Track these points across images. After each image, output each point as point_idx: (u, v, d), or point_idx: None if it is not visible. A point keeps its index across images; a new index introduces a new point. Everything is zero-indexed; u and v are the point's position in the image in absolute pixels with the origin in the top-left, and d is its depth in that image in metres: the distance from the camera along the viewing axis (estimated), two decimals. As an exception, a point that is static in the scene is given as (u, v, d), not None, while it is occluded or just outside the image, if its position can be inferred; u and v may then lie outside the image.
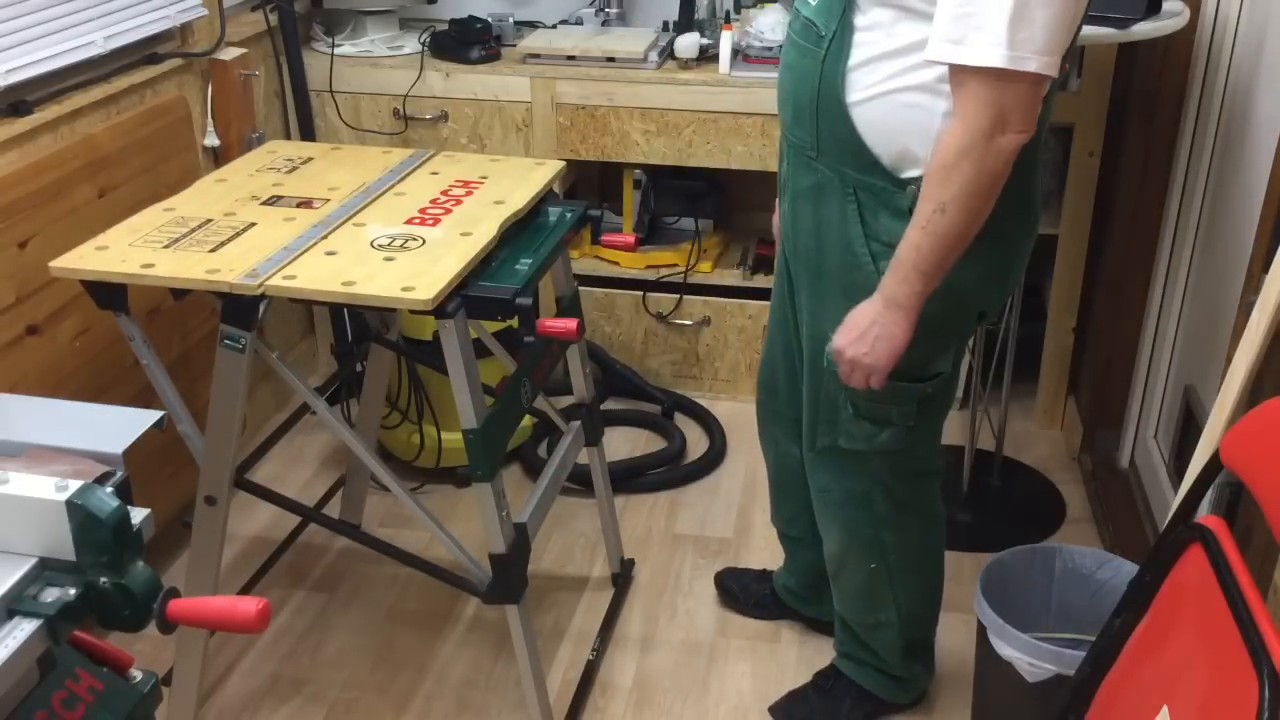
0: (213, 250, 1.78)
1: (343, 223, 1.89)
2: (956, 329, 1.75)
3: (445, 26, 2.95)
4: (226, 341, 1.76)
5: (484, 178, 2.09)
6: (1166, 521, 1.55)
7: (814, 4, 1.62)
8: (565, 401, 2.32)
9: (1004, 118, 1.43)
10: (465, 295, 1.73)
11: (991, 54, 1.39)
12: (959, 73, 1.44)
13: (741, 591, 2.36)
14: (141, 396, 2.27)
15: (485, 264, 1.82)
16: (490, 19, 2.97)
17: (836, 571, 1.99)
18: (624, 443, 2.95)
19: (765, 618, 2.33)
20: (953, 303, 1.65)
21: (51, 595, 0.99)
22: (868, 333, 1.60)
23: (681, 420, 3.01)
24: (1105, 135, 2.68)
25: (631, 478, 2.76)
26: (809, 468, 1.92)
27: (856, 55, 1.56)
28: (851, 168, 1.62)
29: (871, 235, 1.64)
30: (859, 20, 1.56)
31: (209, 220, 1.90)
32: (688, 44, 2.81)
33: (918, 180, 1.55)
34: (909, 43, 1.51)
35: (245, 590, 2.39)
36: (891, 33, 1.53)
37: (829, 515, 1.93)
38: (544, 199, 2.06)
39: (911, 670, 2.07)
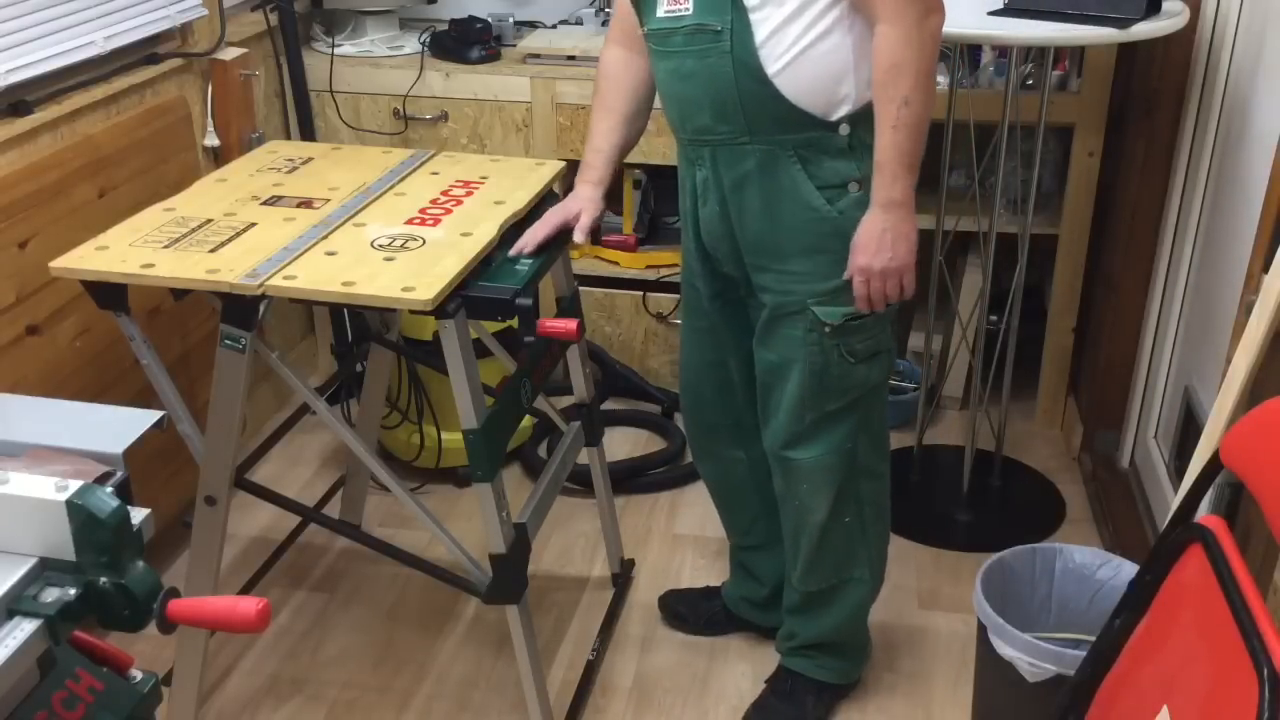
0: (213, 250, 1.78)
1: (343, 223, 1.89)
2: None
3: (445, 26, 2.95)
4: (226, 341, 1.76)
5: (484, 178, 2.09)
6: (1166, 521, 1.55)
7: (690, 11, 1.70)
8: (565, 401, 2.32)
9: (926, 2, 1.60)
10: (465, 295, 1.73)
11: None
12: None
13: (690, 612, 2.32)
14: (141, 396, 2.27)
15: (485, 264, 1.82)
16: (490, 19, 2.97)
17: (819, 540, 1.98)
18: (624, 443, 2.95)
19: (717, 634, 2.30)
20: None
21: (51, 595, 0.99)
22: (883, 240, 1.69)
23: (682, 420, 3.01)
24: (1105, 135, 2.68)
25: (631, 478, 2.76)
26: (784, 464, 1.93)
27: (760, 32, 1.66)
28: (789, 132, 1.72)
29: (821, 184, 1.74)
30: (748, 1, 1.66)
31: (209, 220, 1.90)
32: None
33: (849, 116, 1.70)
34: (800, 2, 1.64)
35: (245, 590, 2.38)
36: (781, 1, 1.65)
37: (819, 482, 1.93)
38: (544, 199, 2.06)
39: (860, 639, 2.13)
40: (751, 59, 1.67)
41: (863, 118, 1.71)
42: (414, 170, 2.13)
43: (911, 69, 1.61)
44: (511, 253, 1.84)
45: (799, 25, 1.65)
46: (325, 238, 1.83)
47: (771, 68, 1.67)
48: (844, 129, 1.71)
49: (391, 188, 2.05)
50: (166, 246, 1.80)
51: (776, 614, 2.17)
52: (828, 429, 1.89)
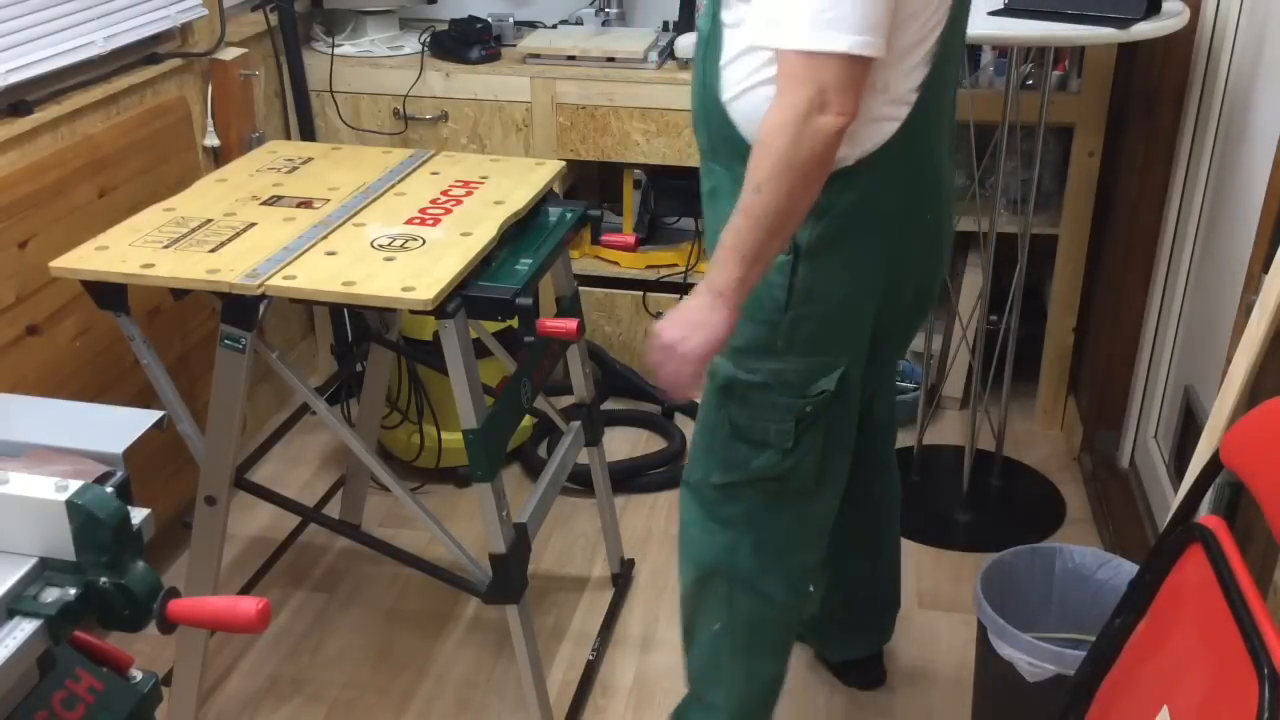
0: (213, 250, 1.78)
1: (343, 223, 1.89)
2: (837, 343, 1.64)
3: (445, 26, 2.95)
4: (226, 341, 1.76)
5: (484, 178, 2.09)
6: (1166, 521, 1.55)
7: (702, 13, 1.61)
8: (565, 401, 2.32)
9: (821, 98, 1.36)
10: (465, 295, 1.73)
11: (799, 34, 1.35)
12: (778, 53, 1.40)
13: None
14: (141, 396, 2.27)
15: (485, 264, 1.82)
16: (490, 19, 2.96)
17: (686, 621, 1.86)
18: (624, 443, 2.95)
19: None
20: (829, 308, 1.59)
21: (51, 595, 0.99)
22: (688, 318, 1.50)
23: (681, 420, 3.01)
24: (1105, 135, 2.68)
25: (631, 478, 2.76)
26: (680, 501, 1.81)
27: (726, 53, 1.55)
28: (741, 165, 1.53)
29: None
30: (726, 17, 1.54)
31: (209, 220, 1.90)
32: (688, 44, 2.81)
33: None
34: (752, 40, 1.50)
35: (245, 590, 2.39)
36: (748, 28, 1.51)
37: (687, 555, 1.80)
38: (544, 199, 2.06)
39: None
40: (715, 78, 1.56)
41: None
42: (414, 170, 2.13)
43: (774, 157, 1.39)
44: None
45: (756, 59, 1.50)
46: (325, 238, 1.84)
47: (726, 93, 1.55)
48: None
49: (391, 188, 2.05)
50: (166, 246, 1.80)
51: (832, 637, 2.16)
52: (709, 505, 1.75)
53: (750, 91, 1.52)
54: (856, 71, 1.38)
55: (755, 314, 1.58)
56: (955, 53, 1.58)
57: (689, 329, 1.49)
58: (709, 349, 1.50)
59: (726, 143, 1.58)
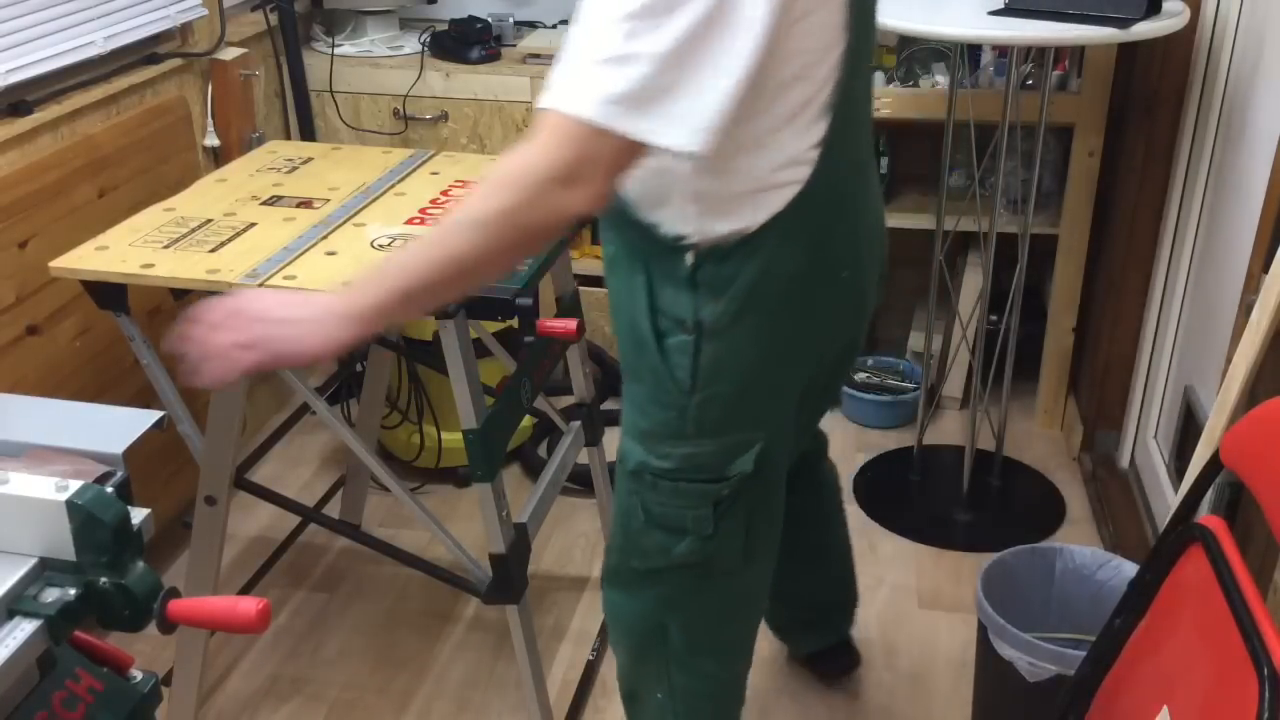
0: (213, 250, 1.78)
1: (343, 223, 1.89)
2: (752, 420, 1.49)
3: (445, 26, 2.95)
4: (226, 341, 1.76)
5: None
6: (1166, 521, 1.55)
7: None
8: (565, 401, 2.32)
9: (579, 171, 1.17)
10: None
11: (575, 100, 1.17)
12: (545, 112, 1.20)
13: None
14: (141, 396, 2.27)
15: (485, 264, 1.82)
16: (490, 19, 2.96)
17: (629, 691, 1.78)
18: (624, 443, 2.95)
19: None
20: (739, 386, 1.45)
21: (52, 595, 0.99)
22: (286, 306, 1.28)
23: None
24: (1105, 135, 2.68)
25: (631, 478, 2.75)
26: (602, 583, 1.72)
27: None
28: (632, 230, 1.43)
29: (658, 309, 1.44)
30: None
31: (209, 220, 1.90)
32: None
33: (690, 245, 1.38)
34: None
35: (245, 590, 2.39)
36: None
37: (618, 639, 1.73)
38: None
39: None
40: None
41: (708, 258, 1.38)
42: (414, 170, 2.13)
43: (498, 206, 1.20)
44: None
45: None
46: (325, 238, 1.83)
47: None
48: (688, 258, 1.39)
49: (391, 188, 2.05)
50: (166, 246, 1.80)
51: (795, 635, 2.15)
52: (632, 589, 1.64)
53: None
54: (626, 156, 1.20)
55: (659, 397, 1.47)
56: (862, 92, 1.44)
57: (286, 321, 1.27)
58: (274, 355, 1.27)
59: (613, 209, 1.43)
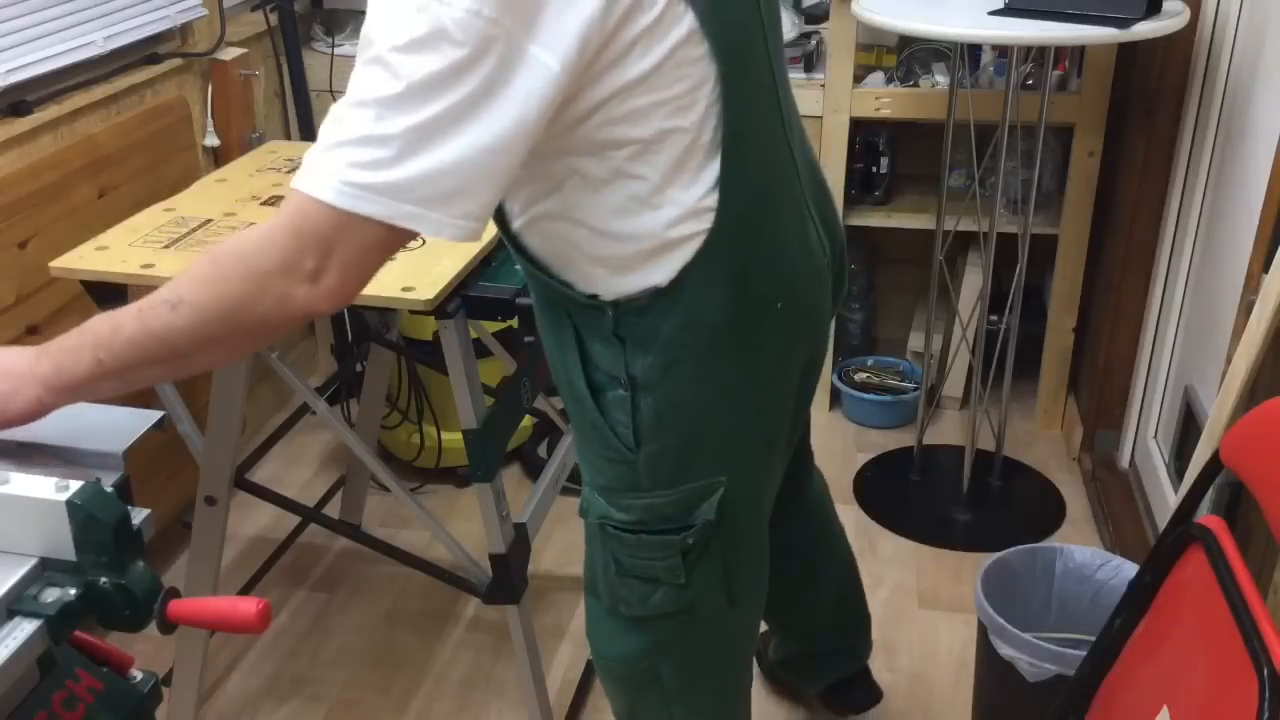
0: (213, 250, 1.78)
1: (343, 223, 1.89)
2: (709, 467, 1.39)
3: (445, 26, 2.94)
4: (226, 341, 1.76)
5: (484, 178, 2.08)
6: (1166, 521, 1.55)
7: None
8: (565, 401, 2.32)
9: (311, 261, 1.07)
10: (465, 295, 1.73)
11: (321, 183, 1.05)
12: (291, 191, 1.09)
13: None
14: (141, 396, 2.26)
15: (485, 264, 1.82)
16: (490, 19, 2.96)
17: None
18: (624, 443, 2.94)
19: None
20: (688, 436, 1.36)
21: (52, 595, 0.99)
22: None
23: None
24: (1105, 135, 2.68)
25: (631, 478, 2.75)
26: (586, 625, 1.62)
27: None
28: (550, 289, 1.34)
29: (590, 362, 1.35)
30: None
31: (209, 220, 1.90)
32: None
33: (608, 302, 1.29)
34: (529, 171, 1.19)
35: (245, 590, 2.39)
36: None
37: (611, 684, 1.64)
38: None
39: None
40: (503, 205, 1.30)
41: (628, 313, 1.29)
42: (414, 170, 2.13)
43: (222, 292, 1.09)
44: None
45: (527, 191, 1.27)
46: (325, 238, 1.83)
47: (515, 223, 1.31)
48: (609, 312, 1.29)
49: (391, 188, 2.05)
50: (166, 246, 1.80)
51: (810, 669, 2.09)
52: (619, 633, 1.54)
53: (531, 225, 1.30)
54: (384, 248, 1.09)
55: (607, 454, 1.38)
56: (761, 108, 1.31)
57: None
58: None
59: (528, 267, 1.34)
